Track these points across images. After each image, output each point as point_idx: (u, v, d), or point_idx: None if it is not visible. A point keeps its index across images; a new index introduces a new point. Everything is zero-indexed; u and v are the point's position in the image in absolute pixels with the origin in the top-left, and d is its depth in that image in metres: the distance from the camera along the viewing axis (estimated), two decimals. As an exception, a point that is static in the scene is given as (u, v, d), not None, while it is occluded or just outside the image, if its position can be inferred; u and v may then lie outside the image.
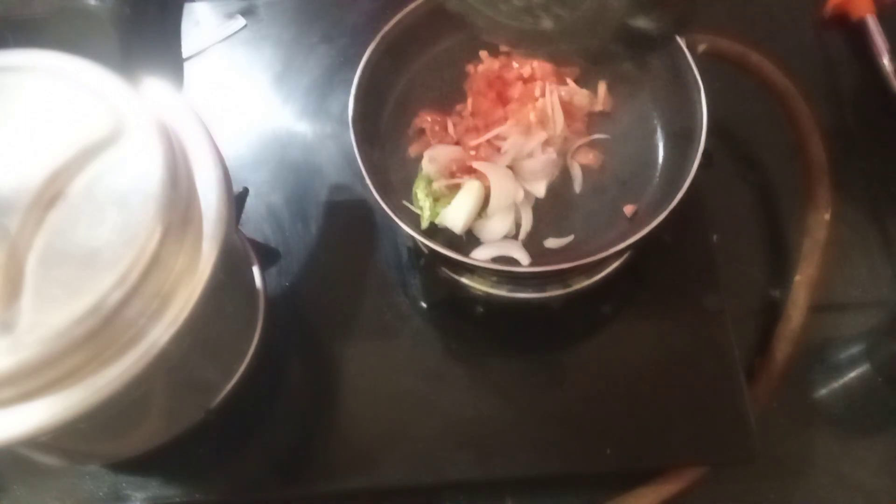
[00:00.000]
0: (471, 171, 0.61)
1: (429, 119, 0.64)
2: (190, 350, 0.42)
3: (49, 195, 0.40)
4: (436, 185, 0.61)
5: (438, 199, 0.61)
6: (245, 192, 0.67)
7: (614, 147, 0.64)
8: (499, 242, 0.60)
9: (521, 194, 0.60)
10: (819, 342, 0.66)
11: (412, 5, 0.63)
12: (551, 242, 0.61)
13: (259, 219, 0.69)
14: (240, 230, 0.64)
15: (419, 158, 0.63)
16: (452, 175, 0.61)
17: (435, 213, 0.60)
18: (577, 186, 0.63)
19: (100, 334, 0.38)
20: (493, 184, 0.59)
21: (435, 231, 0.61)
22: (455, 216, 0.59)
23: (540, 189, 0.61)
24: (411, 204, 0.62)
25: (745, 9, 0.83)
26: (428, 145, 0.63)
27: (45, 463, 0.57)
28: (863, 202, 0.73)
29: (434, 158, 0.61)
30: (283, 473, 0.59)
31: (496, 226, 0.60)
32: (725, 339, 0.61)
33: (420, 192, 0.61)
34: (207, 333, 0.49)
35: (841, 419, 0.64)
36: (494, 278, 0.64)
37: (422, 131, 0.64)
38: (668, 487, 0.59)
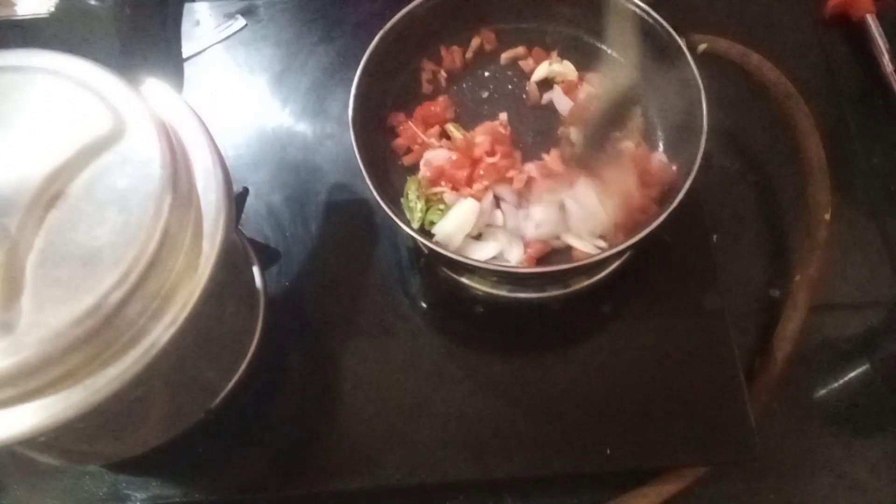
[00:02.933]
0: (469, 185, 0.61)
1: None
2: (190, 350, 0.42)
3: (49, 195, 0.40)
4: (426, 191, 0.61)
5: (430, 203, 0.61)
6: (245, 192, 0.67)
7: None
8: (499, 242, 0.60)
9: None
10: (819, 342, 0.66)
11: (412, 5, 0.64)
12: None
13: (259, 219, 0.69)
14: (240, 230, 0.64)
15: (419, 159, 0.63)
16: (445, 181, 0.61)
17: (425, 216, 0.60)
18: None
19: (100, 334, 0.38)
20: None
21: (435, 231, 0.61)
22: (447, 233, 0.59)
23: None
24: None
25: (745, 9, 0.83)
26: (422, 154, 0.63)
27: (45, 463, 0.57)
28: (863, 202, 0.73)
29: (429, 162, 0.61)
30: (283, 473, 0.59)
31: (485, 249, 0.60)
32: (725, 339, 0.61)
33: (411, 192, 0.61)
34: (207, 333, 0.49)
35: (841, 419, 0.64)
36: (494, 278, 0.64)
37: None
38: (668, 487, 0.59)
